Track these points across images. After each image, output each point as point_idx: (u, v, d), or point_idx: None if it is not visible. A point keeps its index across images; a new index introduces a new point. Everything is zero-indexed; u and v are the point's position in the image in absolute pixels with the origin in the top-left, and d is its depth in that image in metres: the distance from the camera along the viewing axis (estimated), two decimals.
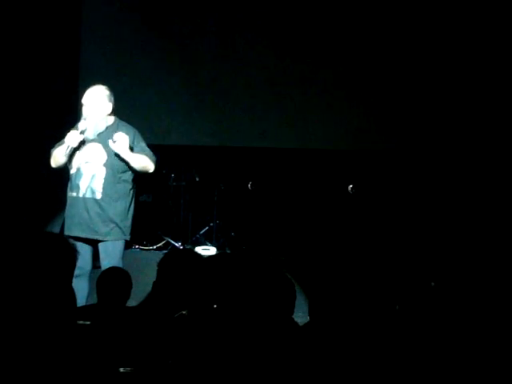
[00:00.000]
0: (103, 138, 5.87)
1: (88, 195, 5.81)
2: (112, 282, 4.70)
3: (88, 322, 3.41)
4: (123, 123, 5.99)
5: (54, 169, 6.00)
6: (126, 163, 5.83)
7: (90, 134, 5.85)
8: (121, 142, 5.80)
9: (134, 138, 5.91)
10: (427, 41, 8.24)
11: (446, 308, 3.47)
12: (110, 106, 5.92)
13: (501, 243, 7.40)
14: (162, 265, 4.09)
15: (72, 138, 5.81)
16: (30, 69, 8.01)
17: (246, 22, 8.67)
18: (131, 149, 5.86)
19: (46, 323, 2.78)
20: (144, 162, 5.87)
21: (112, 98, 5.94)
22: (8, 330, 2.75)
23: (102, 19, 8.82)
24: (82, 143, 5.86)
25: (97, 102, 5.88)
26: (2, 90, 7.83)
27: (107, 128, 5.90)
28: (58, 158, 5.91)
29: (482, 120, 8.06)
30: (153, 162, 5.91)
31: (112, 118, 5.95)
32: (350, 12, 8.46)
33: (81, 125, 5.85)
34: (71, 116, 6.30)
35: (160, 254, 7.04)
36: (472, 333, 3.38)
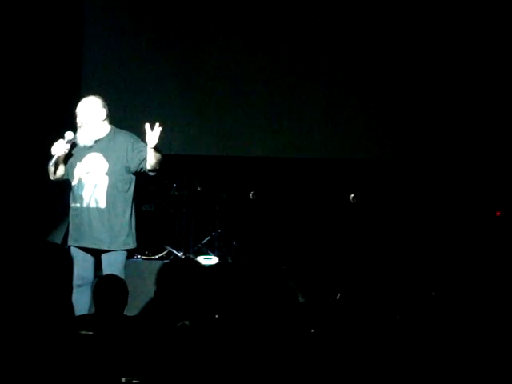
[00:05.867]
0: (102, 146, 5.87)
1: (92, 205, 5.80)
2: (108, 289, 4.71)
3: (90, 332, 3.41)
4: (119, 130, 6.00)
5: (52, 181, 6.00)
6: (142, 163, 5.80)
7: (87, 142, 5.85)
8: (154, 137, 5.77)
9: (132, 143, 5.89)
10: (429, 47, 8.25)
11: (447, 318, 3.47)
12: (104, 112, 5.92)
13: (502, 253, 7.40)
14: (163, 274, 4.09)
15: (57, 148, 5.81)
16: (33, 79, 8.04)
17: (247, 33, 8.69)
18: (131, 153, 5.85)
19: (45, 333, 2.79)
20: (160, 157, 5.84)
21: (106, 105, 5.95)
22: (8, 339, 2.76)
23: (103, 29, 8.84)
24: (83, 154, 5.86)
25: (90, 108, 5.89)
26: (5, 99, 7.85)
27: (104, 137, 5.92)
28: (49, 170, 5.91)
29: (485, 129, 8.07)
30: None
31: (109, 126, 5.96)
32: (351, 21, 8.48)
33: (67, 134, 5.85)
34: (73, 126, 6.31)
35: (162, 264, 7.04)
36: (473, 342, 3.38)
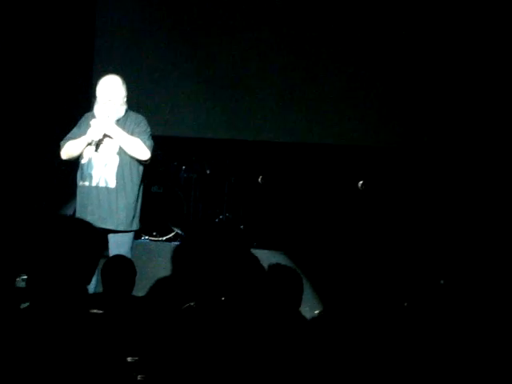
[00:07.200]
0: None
1: (102, 184, 5.77)
2: (116, 270, 4.71)
3: (101, 311, 3.42)
4: (132, 112, 5.97)
5: (64, 160, 5.97)
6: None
7: (114, 118, 5.81)
8: (102, 124, 5.76)
9: (140, 122, 5.87)
10: (437, 38, 8.24)
11: (455, 306, 3.47)
12: (125, 92, 5.92)
13: (509, 242, 7.38)
14: (171, 256, 4.10)
15: (95, 132, 5.76)
16: (44, 61, 8.04)
17: (259, 16, 8.67)
18: (132, 131, 5.84)
19: (59, 310, 2.79)
20: (135, 144, 5.77)
21: (125, 87, 5.94)
22: (18, 316, 2.76)
23: (115, 12, 8.84)
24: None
25: (116, 85, 5.85)
26: (16, 81, 7.85)
27: (120, 117, 5.89)
28: (73, 150, 5.84)
29: (492, 120, 8.05)
30: (147, 146, 5.82)
31: (125, 107, 5.93)
32: (362, 10, 8.47)
33: (98, 112, 5.80)
34: (82, 107, 6.30)
35: (170, 246, 7.04)
36: (480, 331, 3.38)
